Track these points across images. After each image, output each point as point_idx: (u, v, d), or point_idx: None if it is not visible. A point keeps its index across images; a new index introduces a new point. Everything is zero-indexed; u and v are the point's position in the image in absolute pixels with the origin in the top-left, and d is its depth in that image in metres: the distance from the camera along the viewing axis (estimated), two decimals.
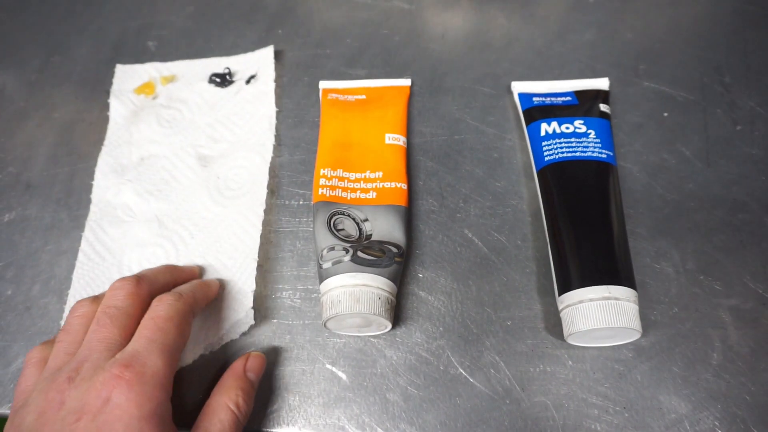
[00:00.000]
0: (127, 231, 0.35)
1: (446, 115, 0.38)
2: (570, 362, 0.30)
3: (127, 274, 0.33)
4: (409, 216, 0.34)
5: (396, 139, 0.35)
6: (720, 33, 0.40)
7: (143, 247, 0.34)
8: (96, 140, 0.39)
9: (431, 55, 0.40)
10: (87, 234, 0.35)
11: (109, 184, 0.36)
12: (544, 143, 0.33)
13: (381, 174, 0.34)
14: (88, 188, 0.37)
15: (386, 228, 0.31)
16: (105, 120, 0.40)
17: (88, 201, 0.36)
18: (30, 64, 0.43)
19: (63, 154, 0.39)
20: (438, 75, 0.39)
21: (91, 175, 0.37)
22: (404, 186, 0.33)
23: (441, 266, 0.33)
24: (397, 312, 0.31)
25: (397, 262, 0.30)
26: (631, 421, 0.28)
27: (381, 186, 0.33)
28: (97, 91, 0.41)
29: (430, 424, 0.29)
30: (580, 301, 0.28)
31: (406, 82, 0.38)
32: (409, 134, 0.37)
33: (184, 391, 0.30)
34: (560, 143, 0.33)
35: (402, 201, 0.33)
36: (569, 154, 0.33)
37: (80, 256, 0.34)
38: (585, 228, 0.30)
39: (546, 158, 0.33)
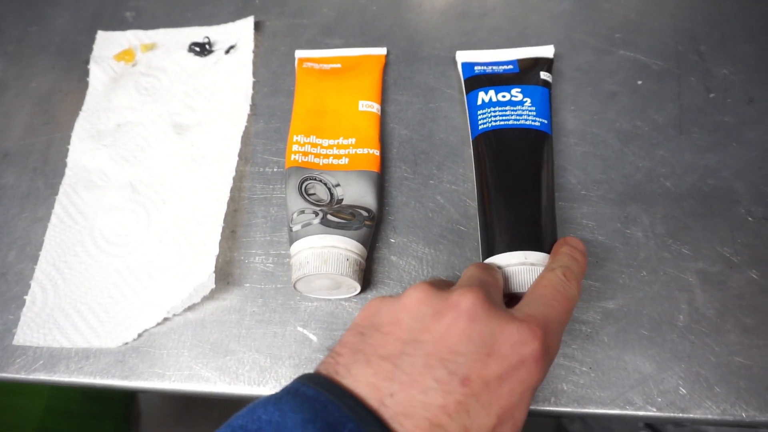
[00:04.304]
0: (100, 195, 0.35)
1: (421, 83, 0.38)
2: None
3: (99, 238, 0.33)
4: (381, 182, 0.34)
5: (369, 106, 0.35)
6: (696, 2, 0.39)
7: (115, 212, 0.34)
8: (73, 110, 0.39)
9: (408, 24, 0.40)
10: (61, 197, 0.35)
11: (85, 149, 0.37)
12: (479, 112, 0.33)
13: (354, 140, 0.34)
14: (65, 157, 0.37)
15: (357, 193, 0.31)
16: (82, 90, 0.40)
17: (64, 169, 0.36)
18: (8, 35, 0.43)
19: (40, 124, 0.39)
20: (414, 44, 0.39)
21: (67, 144, 0.37)
22: (377, 152, 0.34)
23: (413, 232, 0.33)
24: (369, 276, 0.32)
25: (367, 226, 0.30)
26: (596, 381, 0.29)
27: (354, 152, 0.33)
28: (74, 62, 0.41)
29: None
30: (499, 267, 0.28)
31: (382, 51, 0.38)
32: (384, 103, 0.37)
33: (160, 354, 0.31)
34: (494, 111, 0.33)
35: (374, 167, 0.33)
36: (502, 123, 0.32)
37: (53, 218, 0.34)
38: (511, 195, 0.30)
39: (480, 126, 0.33)
